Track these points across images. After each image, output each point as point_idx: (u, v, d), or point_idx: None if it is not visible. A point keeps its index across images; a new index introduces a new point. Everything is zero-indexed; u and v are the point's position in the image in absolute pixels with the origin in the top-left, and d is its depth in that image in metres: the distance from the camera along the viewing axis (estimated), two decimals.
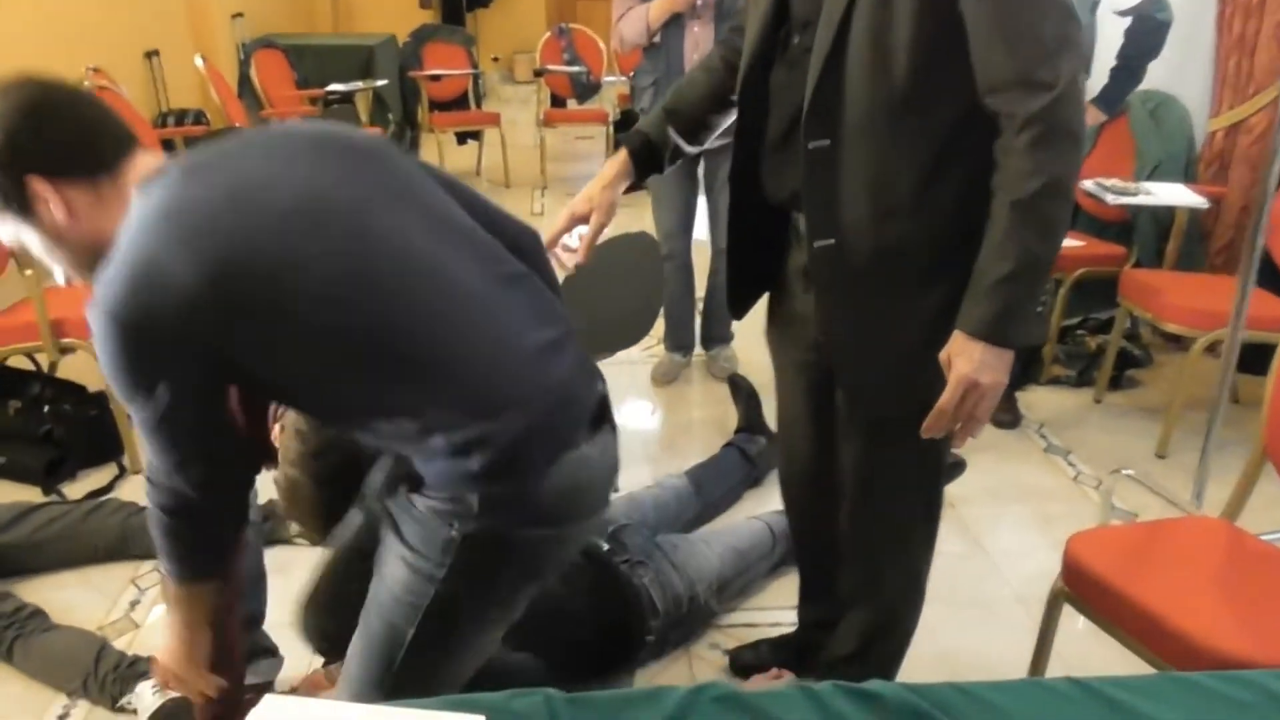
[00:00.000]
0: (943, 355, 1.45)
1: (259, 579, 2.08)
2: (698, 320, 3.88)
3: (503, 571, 1.40)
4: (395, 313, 1.28)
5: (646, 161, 1.81)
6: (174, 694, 2.00)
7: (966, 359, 1.42)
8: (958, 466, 2.92)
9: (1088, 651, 2.09)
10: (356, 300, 1.26)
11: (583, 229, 1.77)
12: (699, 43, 3.27)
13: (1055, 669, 2.10)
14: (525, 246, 1.50)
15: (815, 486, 1.95)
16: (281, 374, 1.30)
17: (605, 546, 2.34)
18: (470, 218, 1.43)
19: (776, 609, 2.46)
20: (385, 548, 1.41)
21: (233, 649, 1.71)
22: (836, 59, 1.47)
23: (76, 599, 2.53)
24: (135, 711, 2.06)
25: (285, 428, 1.55)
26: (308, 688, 1.82)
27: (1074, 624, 1.96)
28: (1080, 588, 1.83)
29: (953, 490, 2.92)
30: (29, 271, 2.95)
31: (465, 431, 1.29)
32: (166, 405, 1.27)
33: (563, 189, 6.73)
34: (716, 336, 3.89)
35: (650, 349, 4.02)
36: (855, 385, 1.67)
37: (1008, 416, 3.41)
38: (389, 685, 1.42)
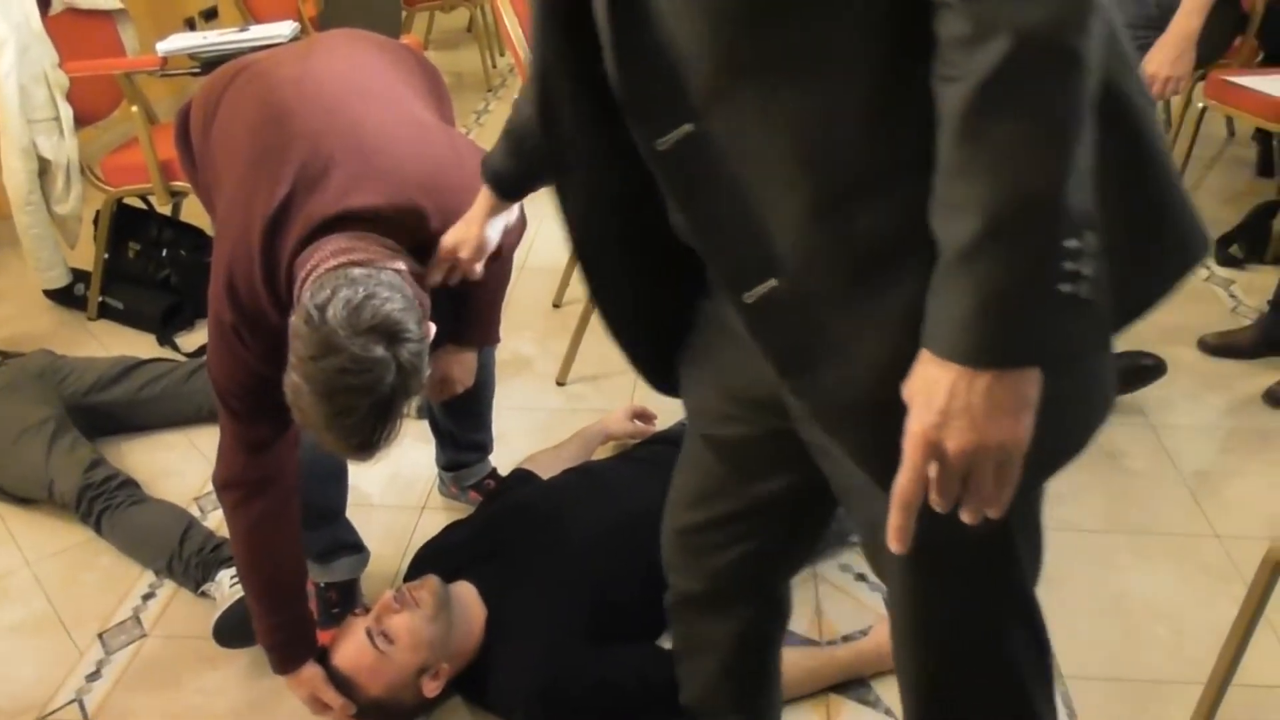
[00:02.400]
0: (905, 391, 0.83)
1: (338, 473, 1.91)
2: None
3: None
4: None
5: (516, 188, 1.41)
6: None
7: (925, 402, 0.80)
8: (1155, 369, 2.46)
9: None
10: None
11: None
12: None
13: (1265, 641, 1.76)
14: None
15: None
16: None
17: None
18: None
19: None
20: None
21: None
22: None
23: (178, 463, 2.44)
24: (215, 600, 1.94)
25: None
26: (380, 610, 1.65)
27: None
28: None
29: (1146, 394, 2.48)
30: (135, 108, 2.78)
31: None
32: None
33: None
34: None
35: None
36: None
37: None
38: None
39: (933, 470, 0.82)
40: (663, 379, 1.19)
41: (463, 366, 1.86)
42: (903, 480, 0.83)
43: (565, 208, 1.05)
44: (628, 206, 1.03)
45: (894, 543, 0.85)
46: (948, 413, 0.79)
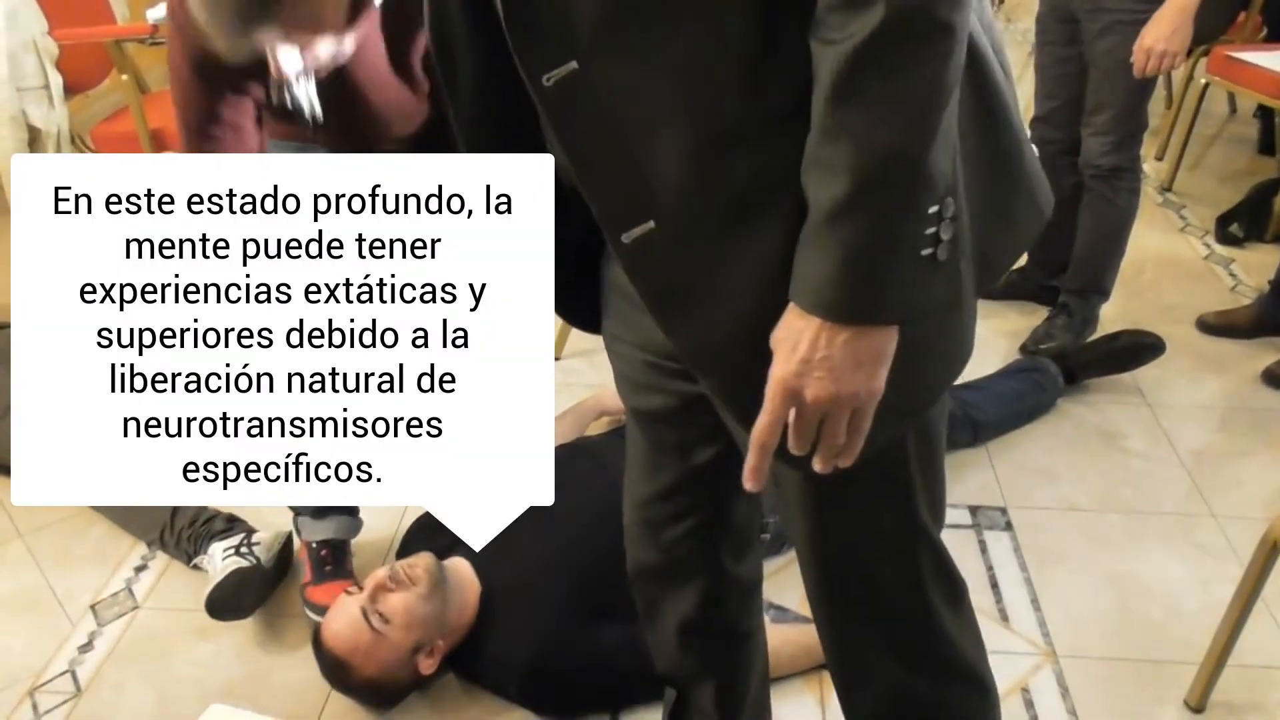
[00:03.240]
0: (771, 339, 0.88)
1: None
2: None
3: None
4: None
5: None
6: (243, 563, 1.88)
7: (789, 350, 0.85)
8: (1154, 349, 2.45)
9: None
10: None
11: None
12: None
13: (1261, 621, 1.75)
14: None
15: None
16: None
17: None
18: None
19: None
20: None
21: None
22: None
23: None
24: (208, 573, 1.94)
25: None
26: (375, 589, 1.63)
27: None
28: None
29: (1143, 373, 2.48)
30: (125, 77, 2.75)
31: None
32: None
33: None
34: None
35: None
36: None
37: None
38: None
39: (791, 415, 0.86)
40: (581, 319, 1.17)
41: None
42: (761, 422, 0.88)
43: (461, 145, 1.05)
44: (515, 144, 1.02)
45: (748, 481, 0.90)
46: (809, 362, 0.84)
